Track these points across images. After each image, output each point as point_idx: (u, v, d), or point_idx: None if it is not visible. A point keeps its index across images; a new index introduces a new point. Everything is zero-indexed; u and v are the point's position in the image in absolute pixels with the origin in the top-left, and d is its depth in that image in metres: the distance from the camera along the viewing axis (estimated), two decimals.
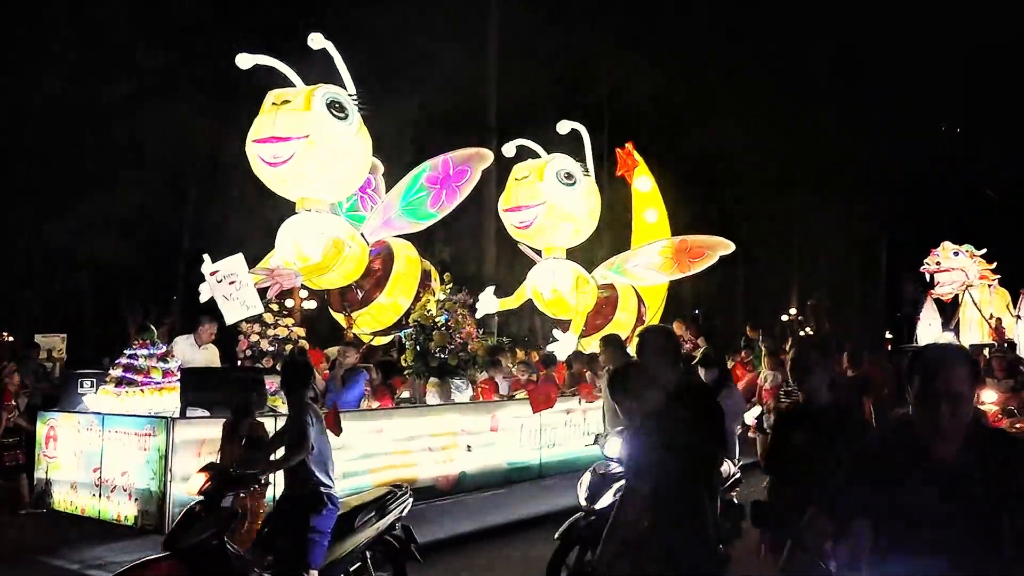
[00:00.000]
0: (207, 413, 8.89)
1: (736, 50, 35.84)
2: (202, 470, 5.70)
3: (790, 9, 36.60)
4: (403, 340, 11.26)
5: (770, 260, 41.41)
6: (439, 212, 12.22)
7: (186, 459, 8.53)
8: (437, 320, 10.62)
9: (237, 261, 10.62)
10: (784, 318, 44.48)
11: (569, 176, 13.80)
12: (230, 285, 10.55)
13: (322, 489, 6.10)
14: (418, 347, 10.53)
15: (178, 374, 9.48)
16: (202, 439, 8.69)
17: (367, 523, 6.47)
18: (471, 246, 28.61)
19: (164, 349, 9.86)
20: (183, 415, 8.89)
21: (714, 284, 40.56)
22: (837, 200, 39.95)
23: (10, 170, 25.98)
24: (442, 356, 10.44)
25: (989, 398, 11.91)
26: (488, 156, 12.45)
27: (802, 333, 42.90)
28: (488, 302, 14.19)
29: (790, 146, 39.22)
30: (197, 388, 9.04)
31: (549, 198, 13.63)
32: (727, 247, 15.06)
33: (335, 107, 11.07)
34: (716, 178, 36.95)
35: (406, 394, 11.46)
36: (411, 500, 6.90)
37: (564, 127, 14.14)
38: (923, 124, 41.21)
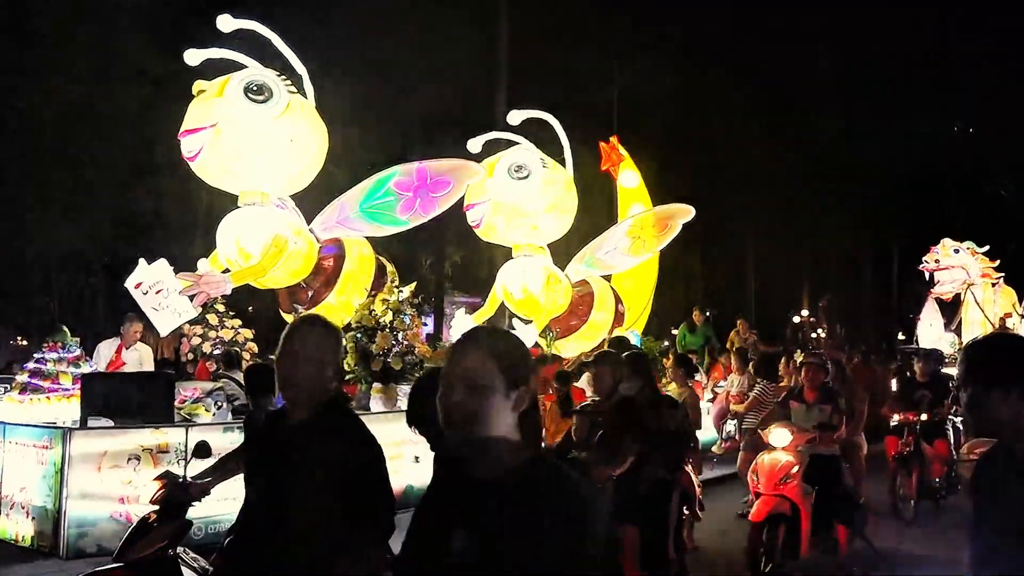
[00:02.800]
0: (111, 423, 7.80)
1: (746, 50, 34.74)
2: (157, 478, 5.40)
3: (798, 9, 35.43)
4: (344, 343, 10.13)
5: (780, 261, 40.12)
6: (411, 220, 11.11)
7: (84, 474, 7.50)
8: (382, 321, 9.51)
9: (161, 268, 9.58)
10: (796, 319, 43.19)
11: (520, 169, 12.53)
12: (157, 295, 9.51)
13: None
14: (360, 350, 9.42)
15: None
16: (103, 451, 7.63)
17: None
18: (484, 247, 27.57)
19: (77, 352, 8.81)
20: (83, 425, 7.81)
21: (724, 286, 39.49)
22: (848, 200, 38.73)
23: (25, 174, 25.16)
24: (385, 360, 9.32)
25: (780, 440, 7.75)
26: (476, 170, 11.33)
27: (814, 335, 41.63)
28: (463, 325, 13.04)
29: (801, 145, 38.12)
30: (100, 395, 7.94)
31: (494, 194, 12.57)
32: (688, 213, 13.90)
33: (252, 90, 9.84)
34: (726, 178, 35.78)
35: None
36: None
37: (515, 118, 12.88)
38: (935, 123, 39.87)
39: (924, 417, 10.24)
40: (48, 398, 8.30)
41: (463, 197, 12.82)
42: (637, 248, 13.82)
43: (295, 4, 21.48)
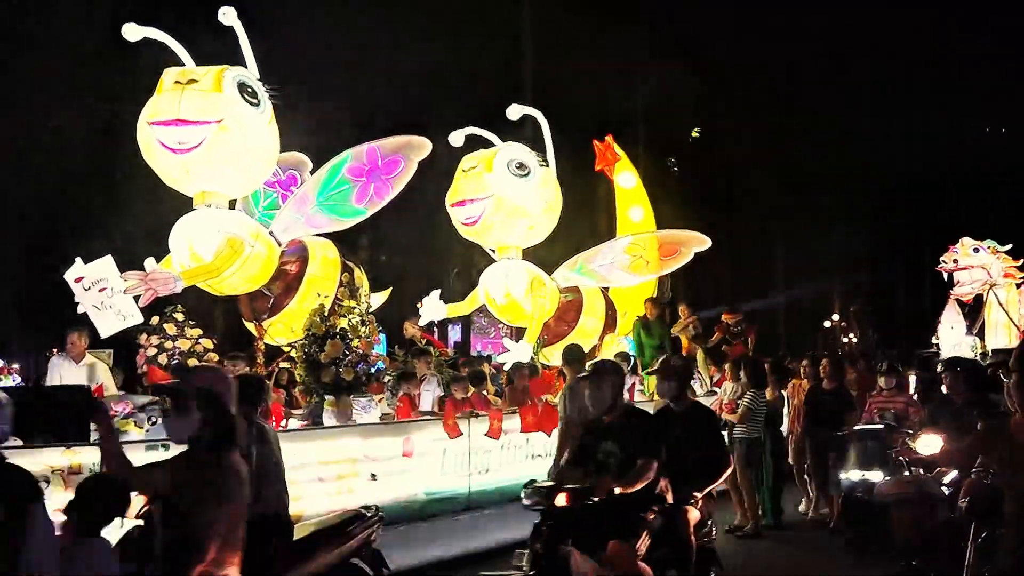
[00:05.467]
0: (19, 442, 6.97)
1: (776, 55, 33.75)
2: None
3: (827, 12, 34.35)
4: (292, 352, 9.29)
5: (811, 266, 38.82)
6: (368, 208, 10.18)
7: None
8: (335, 327, 8.62)
9: (106, 265, 8.80)
10: (827, 324, 41.88)
11: (522, 166, 11.70)
12: (100, 292, 8.72)
13: (269, 512, 5.52)
14: (310, 359, 8.53)
15: None
16: None
17: (326, 549, 5.77)
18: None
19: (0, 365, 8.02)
20: None
21: (753, 291, 38.20)
22: (879, 203, 37.47)
23: (57, 190, 24.70)
24: (337, 370, 8.43)
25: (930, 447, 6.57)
26: (424, 145, 10.30)
27: (844, 340, 40.28)
28: (433, 308, 12.19)
29: (834, 150, 36.96)
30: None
31: (498, 190, 11.62)
32: (702, 242, 12.86)
33: (247, 91, 9.25)
34: (754, 182, 34.73)
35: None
36: (381, 524, 6.22)
37: (515, 112, 12.06)
38: (968, 126, 38.45)
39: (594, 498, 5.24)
40: None
41: (452, 192, 12.00)
42: (638, 267, 12.86)
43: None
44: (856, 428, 9.11)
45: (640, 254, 12.69)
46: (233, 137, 9.05)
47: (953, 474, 6.81)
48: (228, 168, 9.27)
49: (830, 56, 35.56)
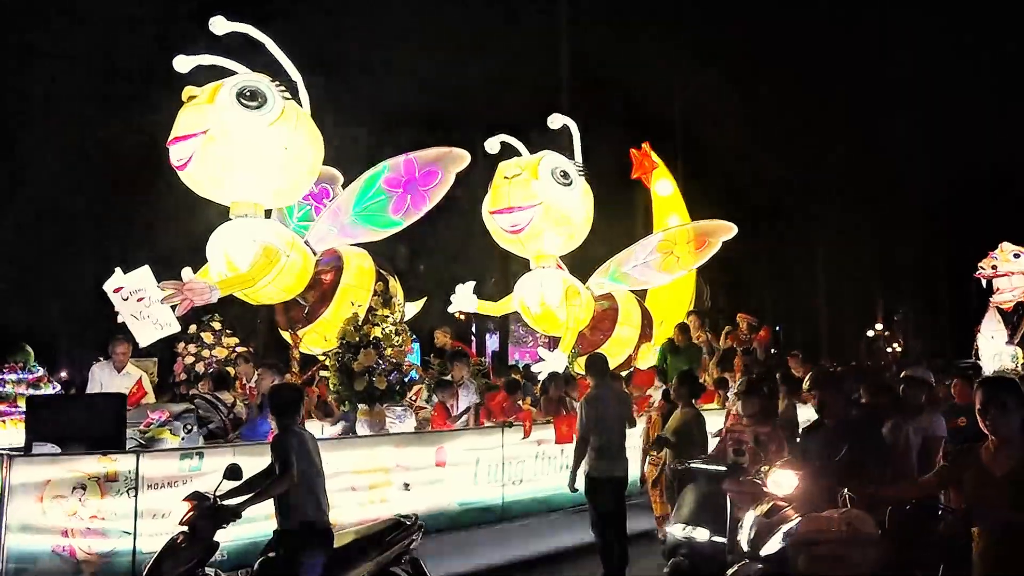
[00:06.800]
0: (57, 449, 7.05)
1: (818, 62, 33.38)
2: (187, 499, 5.61)
3: (871, 18, 33.97)
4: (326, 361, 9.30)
5: (854, 274, 38.32)
6: (404, 219, 10.20)
7: (26, 504, 6.70)
8: (369, 336, 8.63)
9: (144, 275, 8.94)
10: (870, 333, 41.26)
11: (565, 175, 11.68)
12: (138, 302, 8.85)
13: (310, 520, 5.70)
14: (343, 368, 8.54)
15: None
16: (47, 480, 6.85)
17: (366, 557, 5.92)
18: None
19: (39, 373, 8.12)
20: (27, 451, 7.07)
21: (794, 299, 37.80)
22: (924, 209, 36.86)
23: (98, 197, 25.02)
24: (370, 379, 8.42)
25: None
26: (462, 157, 10.27)
27: (889, 349, 39.68)
28: (464, 299, 12.15)
29: (875, 157, 36.47)
30: (46, 419, 7.21)
31: (545, 198, 11.51)
32: (728, 230, 12.75)
33: (245, 96, 9.15)
34: (796, 189, 34.34)
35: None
36: (420, 532, 6.29)
37: (556, 121, 12.00)
38: (1009, 130, 37.78)
39: None
40: (3, 422, 7.63)
41: (493, 199, 11.90)
42: (670, 264, 12.74)
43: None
44: (692, 464, 7.20)
45: (671, 250, 12.60)
46: (222, 143, 9.03)
47: None
48: (227, 174, 9.20)
49: (870, 64, 35.18)
